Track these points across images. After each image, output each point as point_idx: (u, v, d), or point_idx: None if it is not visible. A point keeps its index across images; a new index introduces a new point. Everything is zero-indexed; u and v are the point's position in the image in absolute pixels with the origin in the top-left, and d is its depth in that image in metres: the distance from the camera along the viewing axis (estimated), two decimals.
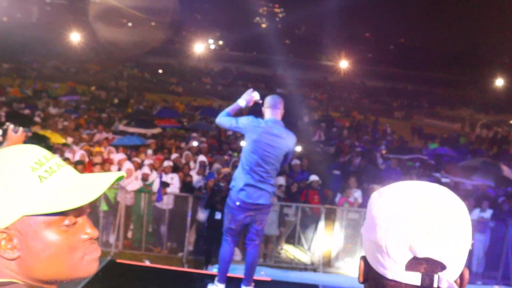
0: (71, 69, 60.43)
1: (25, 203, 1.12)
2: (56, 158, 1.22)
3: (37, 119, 17.06)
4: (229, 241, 5.43)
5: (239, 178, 5.16)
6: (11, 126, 3.67)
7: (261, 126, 5.09)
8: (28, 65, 58.55)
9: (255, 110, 5.73)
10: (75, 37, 66.61)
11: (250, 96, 5.36)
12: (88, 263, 1.23)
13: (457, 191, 9.43)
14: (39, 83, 39.90)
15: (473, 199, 11.11)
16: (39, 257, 1.16)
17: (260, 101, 5.40)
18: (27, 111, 18.59)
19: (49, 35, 70.37)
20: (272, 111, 5.23)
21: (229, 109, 5.32)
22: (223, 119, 5.20)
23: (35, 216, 1.14)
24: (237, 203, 5.15)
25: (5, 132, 3.69)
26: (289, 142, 5.20)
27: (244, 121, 5.12)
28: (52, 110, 20.81)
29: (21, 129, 3.66)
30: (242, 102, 5.34)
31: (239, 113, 5.49)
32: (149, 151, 12.40)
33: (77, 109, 21.48)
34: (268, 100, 5.30)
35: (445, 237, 1.09)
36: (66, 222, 1.18)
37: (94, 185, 1.21)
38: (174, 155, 12.38)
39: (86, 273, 1.23)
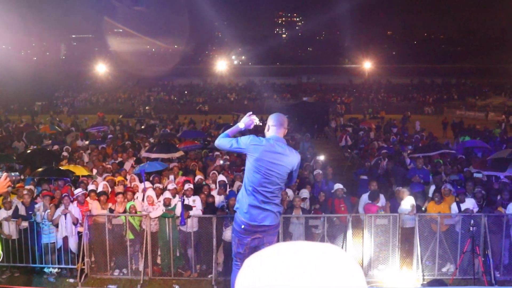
0: (101, 99, 61.66)
1: None
2: None
3: (65, 153, 17.29)
4: (239, 265, 5.21)
5: (243, 200, 5.01)
6: None
7: (262, 144, 4.93)
8: (60, 101, 60.09)
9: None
10: (102, 69, 68.20)
11: (250, 120, 5.24)
12: None
13: (490, 185, 9.11)
14: (69, 118, 40.83)
15: (508, 192, 10.73)
16: None
17: (260, 123, 5.29)
18: (55, 147, 18.86)
19: (78, 69, 72.23)
20: (277, 129, 5.07)
21: (228, 131, 5.22)
22: (222, 141, 5.06)
23: None
24: (242, 226, 5.00)
25: None
26: (293, 160, 5.02)
27: (245, 141, 4.96)
28: (80, 143, 21.13)
29: (4, 174, 3.69)
30: (241, 125, 5.23)
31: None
32: (171, 177, 12.41)
33: (104, 139, 21.72)
34: (274, 118, 5.13)
35: None
36: None
37: None
38: (198, 177, 12.40)
39: None
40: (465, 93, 61.35)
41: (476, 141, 18.76)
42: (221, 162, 14.71)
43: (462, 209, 9.92)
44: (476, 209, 9.96)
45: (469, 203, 10.07)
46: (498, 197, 10.25)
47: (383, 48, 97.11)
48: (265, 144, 4.94)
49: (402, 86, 65.22)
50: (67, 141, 22.09)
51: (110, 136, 22.61)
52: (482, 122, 35.07)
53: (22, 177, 13.36)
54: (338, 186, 10.85)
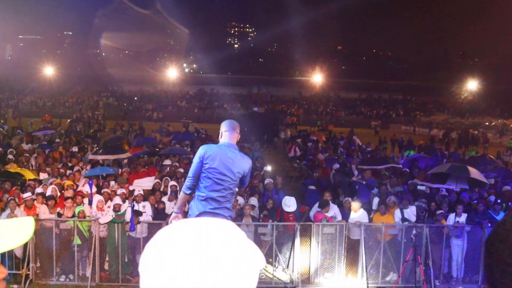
0: (47, 103, 59.99)
1: None
2: None
3: (10, 156, 16.80)
4: None
5: (195, 205, 5.12)
6: None
7: (215, 150, 5.07)
8: (4, 102, 58.06)
9: None
10: (50, 71, 66.48)
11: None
12: None
13: (432, 197, 9.57)
14: (14, 121, 39.56)
15: (447, 205, 11.26)
16: None
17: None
18: None
19: (24, 71, 70.13)
20: (230, 134, 5.20)
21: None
22: (187, 183, 5.20)
23: None
24: None
25: None
26: (245, 165, 5.16)
27: (196, 158, 5.09)
28: (25, 146, 20.55)
29: None
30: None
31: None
32: (112, 183, 12.23)
33: (51, 143, 21.20)
34: (226, 124, 5.26)
35: None
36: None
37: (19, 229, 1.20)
38: (156, 180, 12.38)
39: None
40: (411, 109, 63.42)
41: (420, 155, 19.50)
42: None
43: (405, 215, 10.39)
44: (414, 215, 10.47)
45: (411, 210, 10.58)
46: (440, 211, 10.69)
47: (333, 63, 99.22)
48: (217, 150, 5.08)
49: (350, 101, 66.79)
50: (12, 144, 21.41)
51: (57, 140, 22.11)
52: (425, 138, 36.47)
53: None
54: (290, 199, 10.85)
